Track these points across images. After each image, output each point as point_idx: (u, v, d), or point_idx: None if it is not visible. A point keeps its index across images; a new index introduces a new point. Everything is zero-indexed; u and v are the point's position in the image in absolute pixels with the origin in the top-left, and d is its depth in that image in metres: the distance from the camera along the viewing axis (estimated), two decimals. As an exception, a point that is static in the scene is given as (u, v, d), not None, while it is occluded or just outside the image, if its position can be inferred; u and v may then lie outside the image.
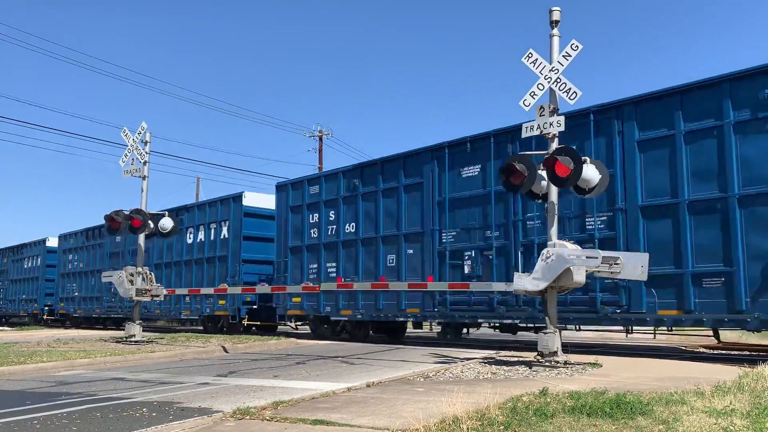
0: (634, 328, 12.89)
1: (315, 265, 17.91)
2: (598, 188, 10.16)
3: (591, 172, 9.92)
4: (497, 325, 14.71)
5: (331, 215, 17.72)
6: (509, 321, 13.86)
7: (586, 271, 9.64)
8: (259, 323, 20.49)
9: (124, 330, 17.36)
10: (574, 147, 10.37)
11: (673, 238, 11.33)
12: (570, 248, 9.82)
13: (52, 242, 32.10)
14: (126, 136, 17.47)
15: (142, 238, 17.36)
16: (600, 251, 9.78)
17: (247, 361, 12.20)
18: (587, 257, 9.57)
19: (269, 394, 7.72)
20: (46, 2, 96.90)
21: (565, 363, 9.79)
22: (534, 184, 10.20)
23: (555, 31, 10.52)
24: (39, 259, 33.05)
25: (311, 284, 16.76)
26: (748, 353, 13.02)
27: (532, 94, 10.52)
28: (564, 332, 11.74)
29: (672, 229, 11.36)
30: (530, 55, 10.56)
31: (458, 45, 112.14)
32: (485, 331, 17.74)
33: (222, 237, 21.50)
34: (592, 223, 12.36)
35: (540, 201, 11.07)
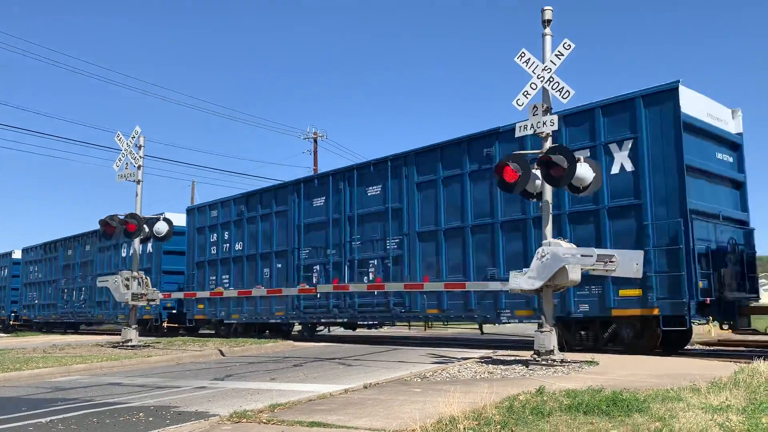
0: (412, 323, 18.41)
1: (214, 277, 21.15)
2: (592, 186, 10.20)
3: (585, 171, 9.95)
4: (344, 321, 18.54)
5: (225, 235, 21.18)
6: (341, 320, 18.26)
7: (582, 269, 9.67)
8: (177, 325, 23.27)
9: (120, 335, 17.31)
10: (380, 187, 16.49)
11: (436, 256, 15.15)
12: (565, 247, 9.84)
13: (17, 254, 35.42)
14: (120, 140, 17.42)
15: (137, 242, 17.32)
16: (595, 249, 9.81)
17: (243, 365, 12.18)
18: (582, 255, 9.59)
19: (266, 396, 7.71)
20: (40, 8, 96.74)
21: (562, 361, 9.81)
22: (528, 183, 10.22)
23: (547, 30, 10.55)
24: (6, 270, 35.95)
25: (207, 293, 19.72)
26: (744, 349, 13.07)
27: (525, 93, 10.55)
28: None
29: (435, 249, 15.23)
30: (523, 55, 10.59)
31: (452, 47, 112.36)
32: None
33: (147, 252, 23.60)
34: (389, 243, 16.22)
35: (534, 200, 11.10)
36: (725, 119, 13.31)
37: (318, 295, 17.15)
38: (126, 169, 17.26)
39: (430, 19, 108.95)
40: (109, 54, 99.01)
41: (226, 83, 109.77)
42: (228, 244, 20.93)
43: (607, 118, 12.41)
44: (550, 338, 9.91)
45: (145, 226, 16.79)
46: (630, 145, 12.01)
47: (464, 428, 4.97)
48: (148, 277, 17.43)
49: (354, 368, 10.93)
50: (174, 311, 23.21)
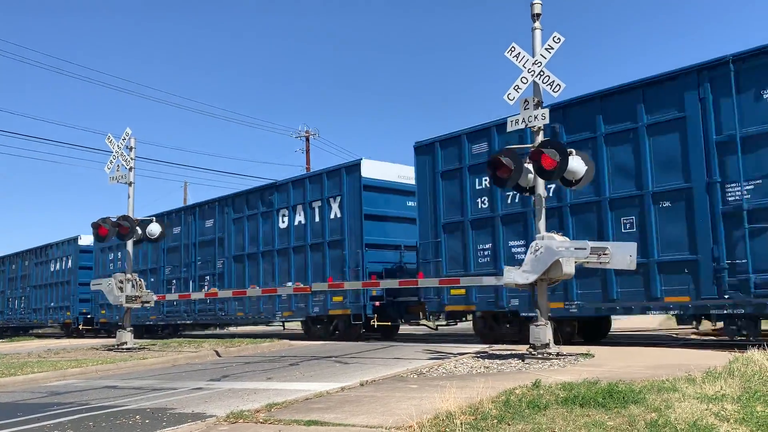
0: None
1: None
2: (585, 179, 10.21)
3: (577, 164, 9.96)
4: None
5: (119, 254, 25.42)
6: (190, 322, 23.30)
7: (575, 262, 9.69)
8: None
9: (116, 338, 17.25)
10: (212, 221, 21.33)
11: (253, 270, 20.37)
12: (558, 240, 9.86)
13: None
14: (110, 142, 17.34)
15: (130, 244, 17.26)
16: (588, 242, 9.83)
17: (240, 365, 12.16)
18: (576, 248, 9.61)
19: (263, 396, 7.69)
20: (29, 10, 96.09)
21: (558, 354, 9.83)
22: (521, 177, 10.23)
23: (537, 24, 10.56)
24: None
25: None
26: (738, 339, 13.12)
27: (516, 87, 10.55)
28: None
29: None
30: (513, 49, 10.59)
31: (446, 43, 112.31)
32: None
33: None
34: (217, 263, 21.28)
35: (527, 194, 11.12)
36: (410, 176, 16.94)
37: (174, 302, 22.11)
38: (117, 171, 17.19)
39: (424, 16, 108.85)
40: (97, 54, 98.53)
41: (217, 82, 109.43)
42: (120, 262, 25.09)
43: (330, 180, 18.00)
44: (545, 332, 9.93)
45: (137, 228, 16.72)
46: (339, 199, 17.61)
47: (461, 423, 4.97)
48: (142, 280, 17.39)
49: (350, 366, 10.92)
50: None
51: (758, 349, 8.09)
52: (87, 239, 27.99)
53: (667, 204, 11.34)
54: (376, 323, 16.54)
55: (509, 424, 4.96)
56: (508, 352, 10.97)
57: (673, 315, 11.86)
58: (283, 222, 19.16)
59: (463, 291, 14.13)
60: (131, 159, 17.14)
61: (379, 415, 5.84)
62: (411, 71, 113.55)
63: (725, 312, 10.62)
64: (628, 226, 11.81)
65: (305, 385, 8.70)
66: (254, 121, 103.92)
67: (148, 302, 17.10)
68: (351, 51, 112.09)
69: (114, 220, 16.51)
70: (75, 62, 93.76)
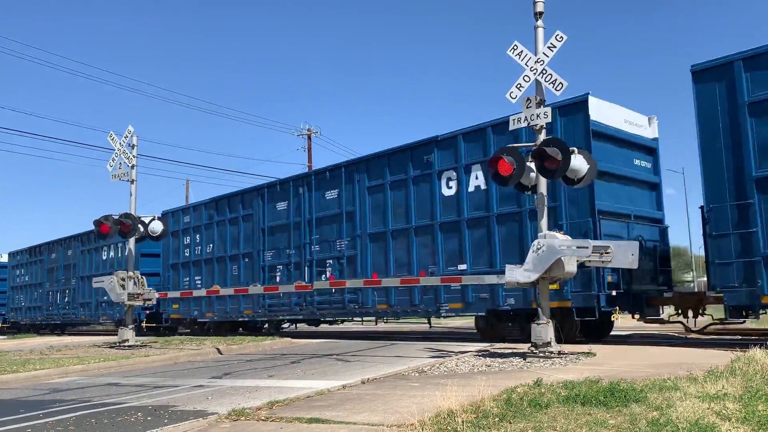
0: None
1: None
2: (587, 178, 10.20)
3: (579, 163, 9.95)
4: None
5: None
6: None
7: (577, 260, 9.68)
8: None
9: (118, 335, 17.26)
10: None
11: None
12: (561, 239, 9.85)
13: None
14: (113, 140, 17.35)
15: (132, 242, 17.27)
16: (590, 241, 9.82)
17: (241, 362, 12.17)
18: (578, 247, 9.59)
19: (264, 394, 7.70)
20: (29, 8, 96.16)
21: (559, 353, 9.83)
22: (523, 176, 10.22)
23: (539, 22, 10.54)
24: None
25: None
26: (740, 337, 13.12)
27: (519, 86, 10.53)
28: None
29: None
30: (515, 48, 10.57)
31: (446, 41, 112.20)
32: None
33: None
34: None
35: (529, 192, 11.11)
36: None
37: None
38: (120, 168, 17.20)
39: (424, 14, 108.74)
40: (100, 52, 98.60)
41: (219, 80, 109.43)
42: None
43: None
44: (547, 330, 9.92)
45: (140, 225, 16.73)
46: None
47: (462, 422, 4.97)
48: (143, 277, 17.38)
49: (352, 364, 10.93)
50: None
51: (760, 348, 8.08)
52: (4, 257, 32.85)
53: None
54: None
55: (510, 423, 4.96)
56: (510, 351, 10.97)
57: None
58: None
59: (177, 305, 21.16)
60: (133, 157, 17.14)
61: (381, 413, 5.85)
62: (415, 70, 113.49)
63: None
64: None
65: (307, 382, 8.71)
66: (256, 120, 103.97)
67: (150, 300, 17.09)
68: (353, 50, 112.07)
69: (116, 217, 16.51)
70: (78, 60, 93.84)
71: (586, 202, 12.42)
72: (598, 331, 13.71)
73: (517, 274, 10.03)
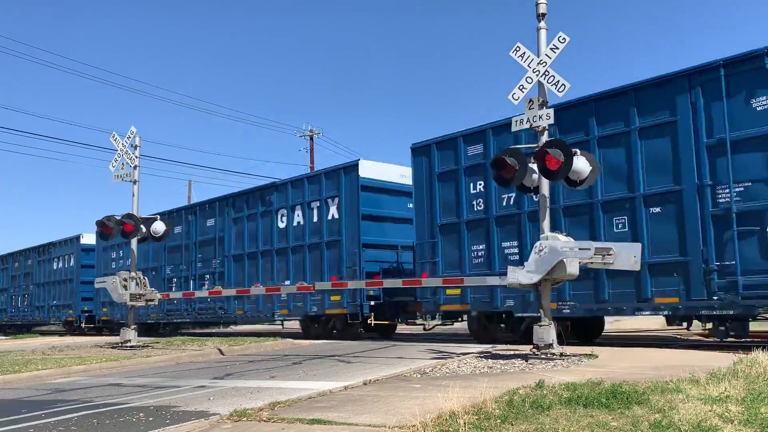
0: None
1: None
2: (589, 180, 10.20)
3: (582, 165, 9.94)
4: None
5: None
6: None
7: (579, 262, 9.68)
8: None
9: (120, 336, 17.29)
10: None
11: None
12: (563, 240, 9.85)
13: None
14: (115, 140, 17.38)
15: (134, 243, 17.29)
16: (593, 242, 9.82)
17: (243, 363, 12.18)
18: (580, 249, 9.59)
19: (266, 395, 7.70)
20: (32, 8, 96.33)
21: (561, 355, 9.82)
22: (525, 177, 10.21)
23: (542, 23, 10.54)
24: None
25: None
26: (743, 340, 13.09)
27: (521, 87, 10.53)
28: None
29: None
30: (518, 49, 10.57)
31: (449, 41, 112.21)
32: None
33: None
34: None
35: (531, 194, 11.11)
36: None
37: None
38: (122, 169, 17.22)
39: (426, 14, 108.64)
40: (101, 53, 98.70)
41: (221, 82, 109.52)
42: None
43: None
44: (549, 332, 9.92)
45: (142, 226, 16.76)
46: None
47: (464, 423, 4.97)
48: (146, 278, 17.41)
49: (353, 365, 10.93)
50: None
51: (762, 350, 8.07)
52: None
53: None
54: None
55: (512, 424, 4.96)
56: (512, 353, 10.96)
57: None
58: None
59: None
60: (136, 157, 17.17)
61: (383, 415, 5.85)
62: (415, 71, 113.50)
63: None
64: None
65: (308, 383, 8.71)
66: (259, 121, 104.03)
67: (152, 300, 17.09)
68: (355, 50, 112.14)
69: (118, 218, 16.53)
70: (80, 60, 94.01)
71: (356, 237, 17.17)
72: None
73: (519, 276, 10.02)
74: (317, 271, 17.98)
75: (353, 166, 17.52)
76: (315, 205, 18.42)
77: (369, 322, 16.82)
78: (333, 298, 17.43)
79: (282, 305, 18.99)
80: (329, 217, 17.95)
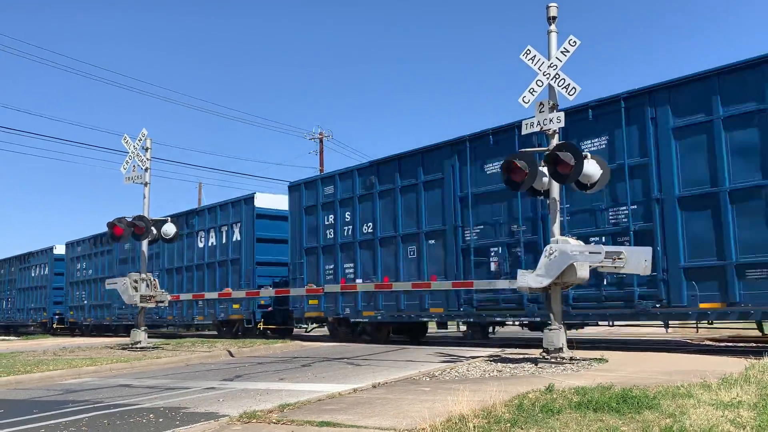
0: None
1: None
2: (600, 183, 10.16)
3: (592, 168, 9.91)
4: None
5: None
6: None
7: (590, 266, 9.63)
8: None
9: (130, 337, 17.38)
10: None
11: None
12: (573, 244, 9.80)
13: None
14: (126, 143, 17.50)
15: (145, 244, 17.40)
16: (603, 246, 9.77)
17: (252, 365, 12.21)
18: (590, 252, 9.55)
19: (275, 397, 7.72)
20: (41, 9, 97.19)
21: (571, 359, 9.78)
22: (535, 180, 10.19)
23: (553, 27, 10.51)
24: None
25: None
26: (754, 345, 13.00)
27: (531, 90, 10.51)
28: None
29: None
30: (528, 52, 10.56)
31: (458, 42, 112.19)
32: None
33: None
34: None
35: (542, 198, 11.07)
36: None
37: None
38: (133, 171, 17.34)
39: (436, 14, 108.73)
40: (112, 54, 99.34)
41: (231, 83, 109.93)
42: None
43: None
44: (558, 336, 9.88)
45: (153, 228, 16.85)
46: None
47: (474, 426, 4.96)
48: (156, 279, 17.50)
49: (362, 368, 10.93)
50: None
51: (775, 356, 8.00)
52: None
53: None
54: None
55: (522, 428, 4.95)
56: (522, 356, 10.93)
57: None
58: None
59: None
60: (147, 159, 17.28)
61: (392, 417, 5.84)
62: (423, 73, 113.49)
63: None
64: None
65: (317, 386, 8.72)
66: (268, 123, 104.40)
67: (162, 302, 17.20)
68: (365, 53, 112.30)
69: (129, 219, 16.64)
70: (90, 62, 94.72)
71: (251, 256, 20.48)
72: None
73: (529, 279, 9.99)
74: (224, 283, 21.05)
75: (250, 199, 20.93)
76: (224, 228, 21.85)
77: (258, 326, 20.11)
78: (235, 306, 20.73)
79: (200, 312, 22.40)
80: (234, 239, 21.30)
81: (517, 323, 15.11)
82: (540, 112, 10.43)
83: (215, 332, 23.29)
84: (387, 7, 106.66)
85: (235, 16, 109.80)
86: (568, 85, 10.12)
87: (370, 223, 16.66)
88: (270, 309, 20.41)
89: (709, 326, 13.59)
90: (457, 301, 14.56)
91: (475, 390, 7.04)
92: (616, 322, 13.31)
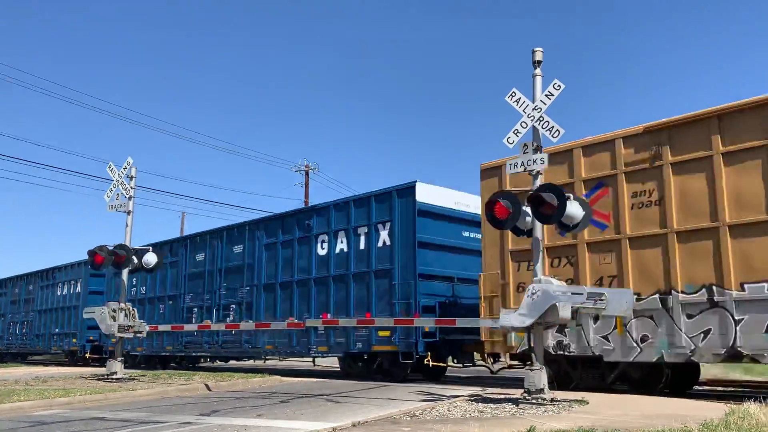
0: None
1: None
2: (582, 224, 10.27)
3: (575, 209, 10.02)
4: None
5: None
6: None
7: (572, 307, 9.67)
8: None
9: (106, 368, 17.03)
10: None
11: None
12: (556, 284, 9.85)
13: None
14: (111, 171, 17.42)
15: (125, 273, 17.19)
16: (585, 287, 9.83)
17: (230, 400, 12.00)
18: (572, 293, 9.60)
19: (253, 434, 7.57)
20: (29, 37, 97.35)
21: (552, 400, 9.73)
22: (519, 219, 10.28)
23: (538, 71, 10.75)
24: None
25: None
26: (732, 389, 13.05)
27: (516, 131, 10.69)
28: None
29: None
30: (513, 94, 10.76)
31: (445, 77, 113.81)
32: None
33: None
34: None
35: (525, 236, 11.15)
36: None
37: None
38: (117, 199, 17.23)
39: (423, 49, 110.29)
40: (98, 82, 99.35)
41: (217, 114, 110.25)
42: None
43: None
44: (540, 377, 9.84)
45: (134, 257, 16.67)
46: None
47: (454, 469, 4.90)
48: (134, 309, 17.24)
49: (342, 405, 10.79)
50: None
51: (754, 402, 8.04)
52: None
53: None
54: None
55: (503, 472, 4.89)
56: (503, 396, 10.85)
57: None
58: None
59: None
60: (131, 188, 17.19)
61: (371, 458, 5.75)
62: (411, 108, 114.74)
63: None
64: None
65: (296, 423, 8.58)
66: (254, 154, 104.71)
67: (140, 333, 16.90)
68: (353, 86, 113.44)
69: (110, 248, 16.46)
70: (76, 89, 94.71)
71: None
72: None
73: (512, 319, 10.00)
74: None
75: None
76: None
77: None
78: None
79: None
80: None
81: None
82: (524, 153, 10.58)
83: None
84: (376, 44, 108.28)
85: (225, 48, 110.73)
86: (552, 127, 10.30)
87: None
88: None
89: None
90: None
91: (456, 431, 6.97)
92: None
